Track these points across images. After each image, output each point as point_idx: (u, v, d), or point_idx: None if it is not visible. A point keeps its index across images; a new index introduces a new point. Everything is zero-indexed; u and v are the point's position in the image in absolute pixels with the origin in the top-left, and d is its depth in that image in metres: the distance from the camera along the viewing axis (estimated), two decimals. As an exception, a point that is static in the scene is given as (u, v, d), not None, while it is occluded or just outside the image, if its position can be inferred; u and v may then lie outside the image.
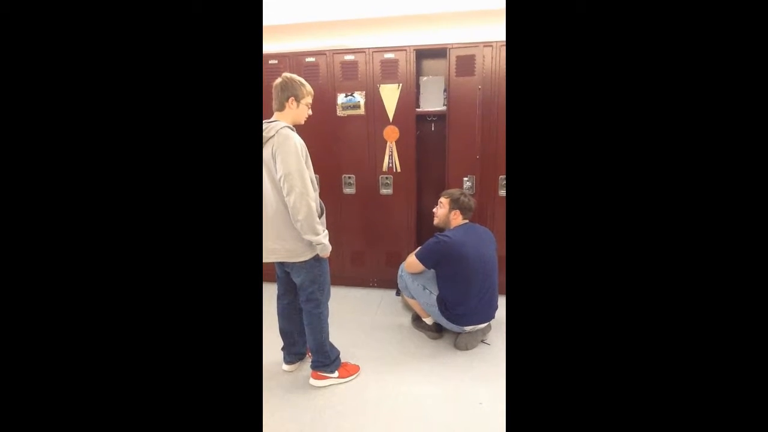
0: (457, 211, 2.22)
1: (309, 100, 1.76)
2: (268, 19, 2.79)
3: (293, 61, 2.68)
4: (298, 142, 1.65)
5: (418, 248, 2.25)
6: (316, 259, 1.76)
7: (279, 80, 1.73)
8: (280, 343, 2.01)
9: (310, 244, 1.71)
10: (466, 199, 2.23)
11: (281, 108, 1.73)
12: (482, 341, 2.25)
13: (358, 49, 2.63)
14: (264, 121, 1.66)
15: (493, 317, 2.23)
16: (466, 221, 2.25)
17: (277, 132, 1.63)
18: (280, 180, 1.63)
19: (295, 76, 1.74)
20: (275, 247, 1.73)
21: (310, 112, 1.79)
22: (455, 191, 2.28)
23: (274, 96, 1.74)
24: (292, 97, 1.72)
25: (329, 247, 1.75)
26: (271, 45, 2.91)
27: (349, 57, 2.63)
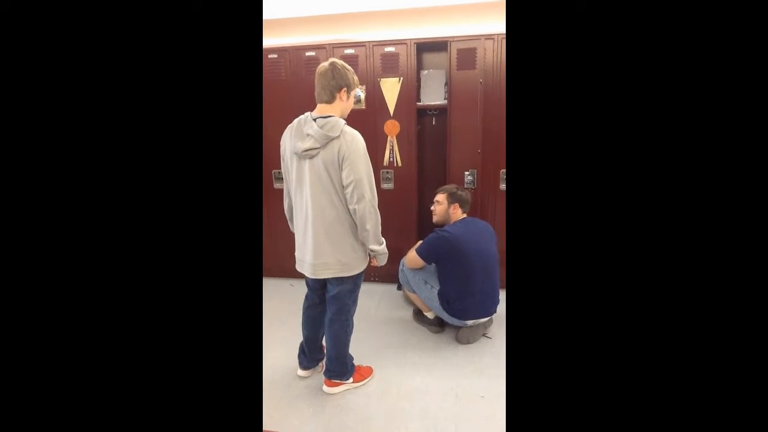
0: (456, 205, 2.25)
1: (357, 92, 1.58)
2: (267, 12, 2.77)
3: (293, 55, 2.67)
4: (363, 143, 1.49)
5: (418, 243, 2.25)
6: (362, 271, 1.68)
7: (327, 67, 1.48)
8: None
9: (364, 256, 1.62)
10: (463, 193, 2.27)
11: (331, 100, 1.50)
12: (484, 335, 2.26)
13: (358, 42, 2.61)
14: (317, 117, 1.49)
15: (495, 311, 2.24)
16: (465, 216, 2.26)
17: (342, 131, 1.45)
18: (348, 186, 1.47)
19: (345, 63, 1.51)
20: (329, 261, 1.57)
21: (353, 105, 1.62)
22: (450, 186, 2.32)
23: (321, 85, 1.49)
24: (345, 88, 1.50)
25: (387, 256, 1.67)
26: (270, 39, 2.89)
27: (350, 51, 2.62)
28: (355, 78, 1.56)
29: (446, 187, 2.33)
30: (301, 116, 1.55)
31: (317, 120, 1.48)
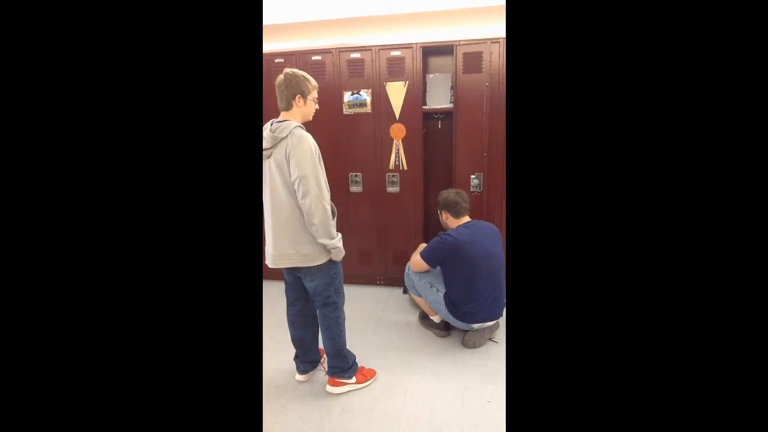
0: (445, 213, 2.23)
1: (315, 94, 1.69)
2: (274, 17, 2.79)
3: (299, 59, 2.68)
4: (311, 142, 1.60)
5: (422, 246, 2.24)
6: (331, 261, 1.72)
7: (281, 78, 1.64)
8: (287, 343, 2.00)
9: (325, 248, 1.67)
10: (450, 196, 2.21)
11: (288, 107, 1.66)
12: (490, 339, 2.24)
13: (364, 46, 2.62)
14: (274, 122, 1.63)
15: (501, 315, 2.22)
16: (467, 218, 2.24)
17: (290, 132, 1.57)
18: (294, 183, 1.58)
19: (297, 72, 1.66)
20: (289, 252, 1.67)
21: (317, 106, 1.73)
22: (440, 193, 2.28)
23: (278, 95, 1.66)
24: (299, 95, 1.64)
25: (343, 251, 1.71)
26: (277, 43, 2.91)
27: (356, 55, 2.63)
28: (311, 83, 1.67)
29: (439, 195, 2.29)
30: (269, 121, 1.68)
31: (273, 124, 1.62)
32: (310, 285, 1.76)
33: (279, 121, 1.63)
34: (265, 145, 1.62)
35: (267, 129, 1.63)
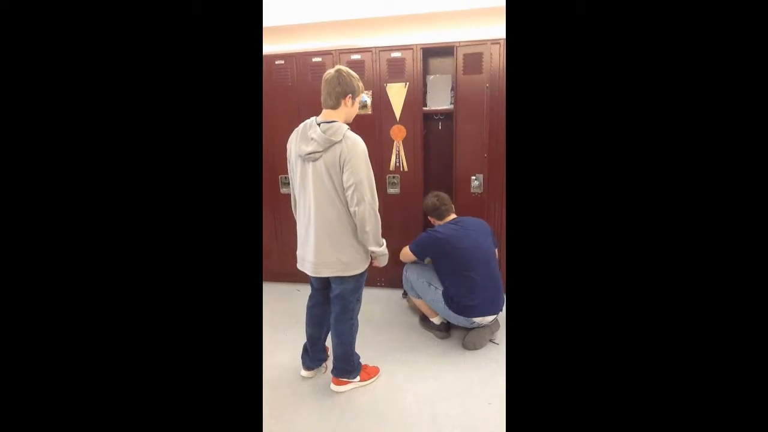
0: (432, 219, 2.32)
1: (362, 96, 1.64)
2: (274, 19, 2.79)
3: (300, 61, 2.68)
4: (364, 147, 1.53)
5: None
6: (364, 270, 1.71)
7: (333, 74, 1.54)
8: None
9: (365, 256, 1.66)
10: (429, 202, 2.30)
11: (336, 105, 1.55)
12: (491, 341, 2.24)
13: (364, 48, 2.62)
14: (321, 122, 1.54)
15: (501, 310, 2.23)
16: (453, 215, 2.29)
17: (344, 136, 1.50)
18: (348, 189, 1.51)
19: (351, 71, 1.57)
20: (330, 261, 1.62)
21: (358, 110, 1.67)
22: (423, 201, 2.37)
23: (326, 91, 1.55)
24: (350, 95, 1.55)
25: (387, 257, 1.71)
26: (277, 45, 2.92)
27: (356, 56, 2.63)
28: (361, 84, 1.61)
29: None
30: (307, 120, 1.60)
31: (321, 125, 1.54)
32: (336, 288, 1.73)
33: (327, 122, 1.54)
34: (313, 147, 1.52)
35: (315, 129, 1.53)
